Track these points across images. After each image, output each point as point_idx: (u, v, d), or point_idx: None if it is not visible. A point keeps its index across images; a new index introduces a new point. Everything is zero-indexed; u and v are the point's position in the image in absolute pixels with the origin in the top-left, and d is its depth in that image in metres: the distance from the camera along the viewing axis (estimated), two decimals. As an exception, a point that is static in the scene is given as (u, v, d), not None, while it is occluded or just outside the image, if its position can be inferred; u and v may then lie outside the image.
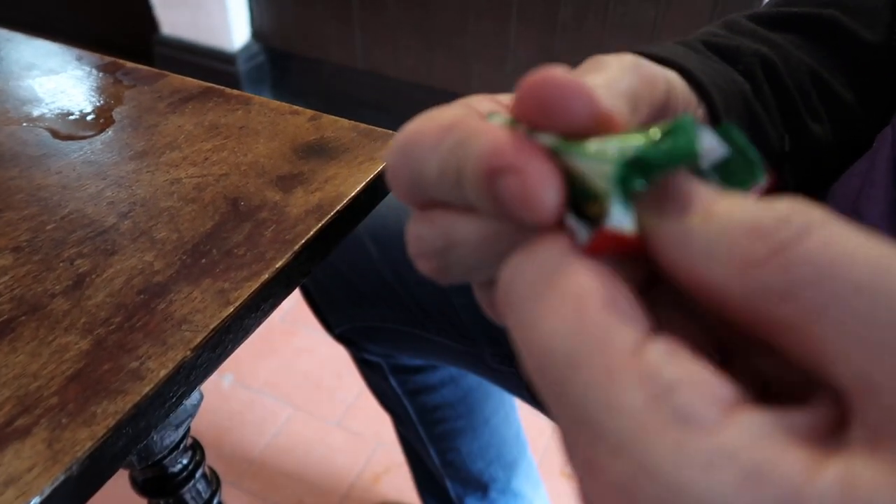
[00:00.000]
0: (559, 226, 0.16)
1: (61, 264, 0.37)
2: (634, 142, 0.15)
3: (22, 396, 0.30)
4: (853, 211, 0.30)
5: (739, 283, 0.13)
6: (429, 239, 0.20)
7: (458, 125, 0.18)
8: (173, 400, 0.32)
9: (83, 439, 0.28)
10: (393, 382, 0.78)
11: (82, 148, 0.45)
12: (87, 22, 2.23)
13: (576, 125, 0.16)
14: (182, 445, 0.51)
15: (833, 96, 0.35)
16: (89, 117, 0.49)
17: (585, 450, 0.12)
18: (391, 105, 1.89)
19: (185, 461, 0.51)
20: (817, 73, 0.35)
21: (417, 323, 0.68)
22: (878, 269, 0.11)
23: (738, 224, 0.13)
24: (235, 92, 0.51)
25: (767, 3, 0.39)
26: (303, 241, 0.38)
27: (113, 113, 0.49)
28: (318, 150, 0.45)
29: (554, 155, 0.16)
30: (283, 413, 1.26)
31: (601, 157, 0.15)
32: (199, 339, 0.33)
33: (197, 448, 0.53)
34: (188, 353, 0.32)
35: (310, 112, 0.49)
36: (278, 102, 0.50)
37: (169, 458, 0.50)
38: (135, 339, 0.33)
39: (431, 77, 1.77)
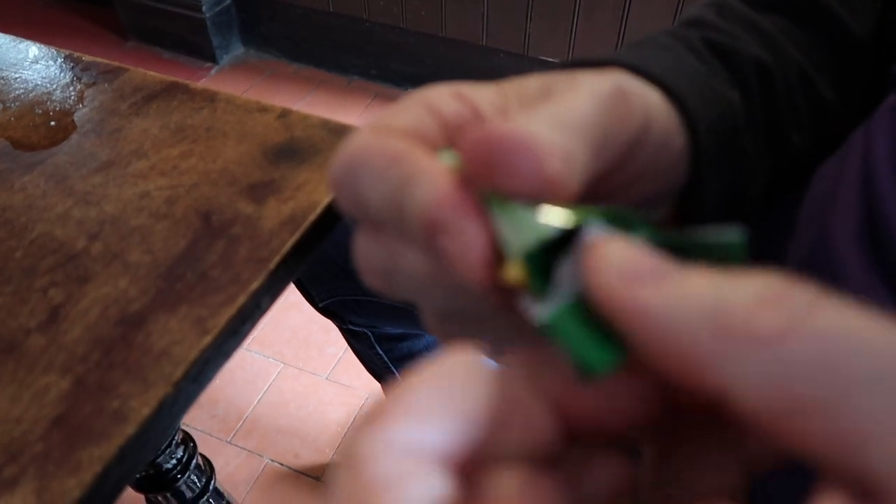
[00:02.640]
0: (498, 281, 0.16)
1: (34, 295, 0.36)
2: (552, 223, 0.15)
3: (7, 444, 0.31)
4: (822, 224, 0.30)
5: (758, 361, 0.11)
6: (374, 258, 0.20)
7: (404, 159, 0.17)
8: (158, 436, 0.32)
9: (71, 488, 0.29)
10: (379, 350, 0.80)
11: (45, 160, 0.44)
12: (41, -34, 2.12)
13: (522, 190, 0.15)
14: (174, 441, 0.52)
15: (817, 97, 0.34)
16: (51, 123, 0.47)
17: None
18: (364, 47, 1.84)
19: (178, 456, 0.52)
20: (804, 71, 0.34)
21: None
22: None
23: (740, 297, 0.12)
24: (200, 87, 0.49)
25: None
26: (277, 257, 0.38)
27: (74, 117, 0.47)
28: (289, 153, 0.44)
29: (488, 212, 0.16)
30: (273, 369, 1.29)
31: (524, 223, 0.15)
32: (179, 373, 0.33)
33: (188, 441, 0.54)
34: (169, 388, 0.32)
35: (278, 108, 0.48)
36: (244, 98, 0.48)
37: (162, 455, 0.51)
38: (114, 377, 0.33)
39: (404, 19, 1.72)
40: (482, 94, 0.21)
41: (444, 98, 0.20)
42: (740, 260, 0.14)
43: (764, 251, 0.34)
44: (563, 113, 0.18)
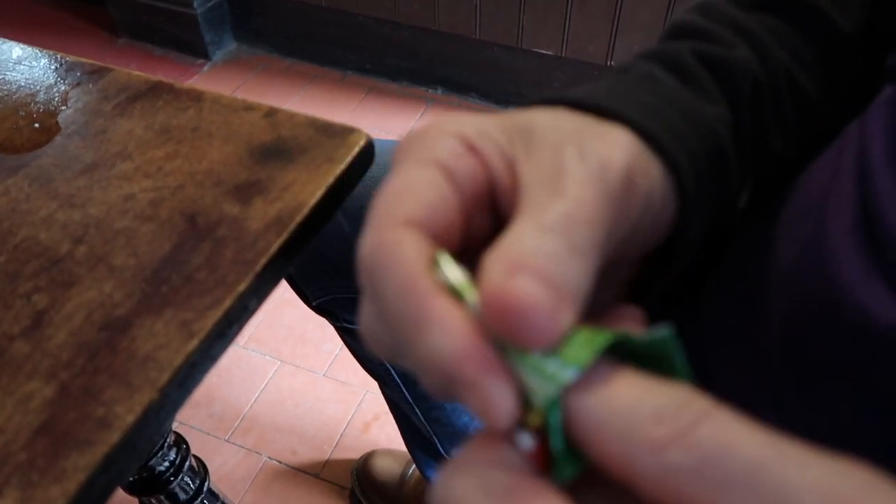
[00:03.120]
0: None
1: (18, 301, 0.36)
2: (578, 357, 0.16)
3: (-10, 453, 0.30)
4: (817, 221, 0.29)
5: (651, 463, 0.14)
6: (380, 335, 0.20)
7: (417, 295, 0.17)
8: (144, 442, 0.32)
9: (55, 497, 0.29)
10: (374, 348, 0.79)
11: (29, 163, 0.44)
12: (31, -36, 2.11)
13: (540, 346, 0.16)
14: (166, 443, 0.52)
15: (804, 98, 0.34)
16: (35, 125, 0.47)
17: None
18: (358, 42, 1.83)
19: (170, 458, 0.52)
20: (791, 73, 0.33)
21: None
22: (767, 447, 0.14)
23: (644, 410, 0.15)
24: (185, 87, 0.49)
25: None
26: (264, 259, 0.38)
27: (59, 119, 0.47)
28: (276, 153, 0.44)
29: (505, 359, 0.16)
30: (270, 367, 1.28)
31: (542, 374, 0.16)
32: (165, 378, 0.33)
33: (181, 442, 0.54)
34: (155, 394, 0.32)
35: (265, 107, 0.47)
36: (231, 97, 0.48)
37: (154, 458, 0.51)
38: (99, 383, 0.32)
39: (397, 13, 1.71)
40: (491, 144, 0.21)
41: (456, 156, 0.20)
42: (673, 349, 0.16)
43: (749, 258, 0.34)
44: (574, 222, 0.18)
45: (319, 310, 0.76)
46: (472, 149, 0.21)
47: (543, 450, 0.16)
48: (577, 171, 0.20)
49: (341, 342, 1.30)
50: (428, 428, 0.86)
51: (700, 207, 0.25)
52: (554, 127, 0.21)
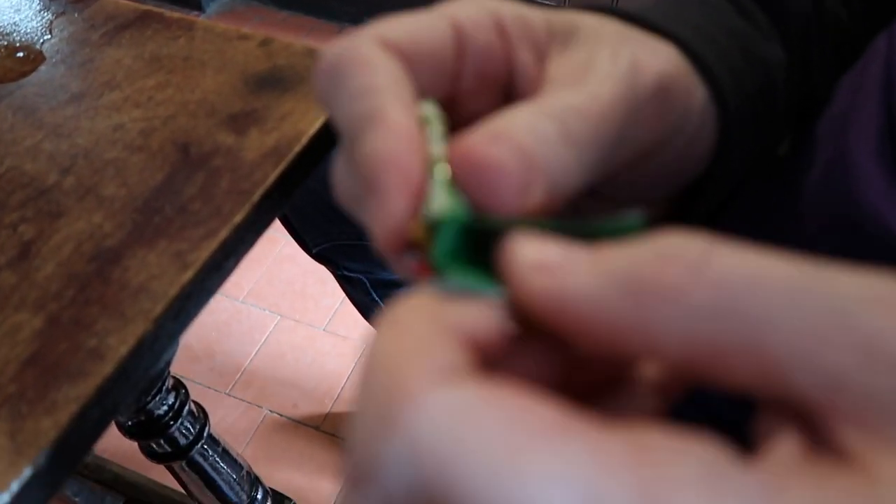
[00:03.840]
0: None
1: (4, 232, 0.34)
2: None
3: (-22, 385, 0.29)
4: (839, 141, 0.28)
5: (672, 316, 0.12)
6: (343, 177, 0.19)
7: (373, 93, 0.16)
8: (139, 375, 0.31)
9: (47, 428, 0.27)
10: (375, 296, 0.78)
11: (13, 92, 0.42)
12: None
13: (497, 210, 0.15)
14: (164, 388, 0.51)
15: (841, 33, 0.32)
16: (18, 54, 0.44)
17: None
18: (356, -8, 1.78)
19: (169, 402, 0.51)
20: (834, 10, 0.31)
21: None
22: (793, 269, 0.11)
23: (639, 258, 0.12)
24: (176, 15, 0.47)
25: None
26: (261, 190, 0.36)
27: (43, 48, 0.45)
28: (272, 82, 0.42)
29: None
30: (270, 322, 1.27)
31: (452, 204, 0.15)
32: (159, 309, 0.31)
33: (180, 387, 0.53)
34: (149, 325, 0.31)
35: (260, 36, 0.45)
36: (224, 26, 0.45)
37: (153, 401, 0.50)
38: (91, 314, 0.31)
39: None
40: (524, 33, 0.19)
41: (480, 25, 0.19)
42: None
43: (780, 181, 0.32)
44: (579, 114, 0.17)
45: (319, 257, 0.75)
46: (500, 28, 0.19)
47: (424, 266, 0.15)
48: (604, 68, 0.18)
49: (341, 297, 1.29)
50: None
51: (740, 148, 0.24)
52: (597, 30, 0.20)
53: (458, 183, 0.15)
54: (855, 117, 0.27)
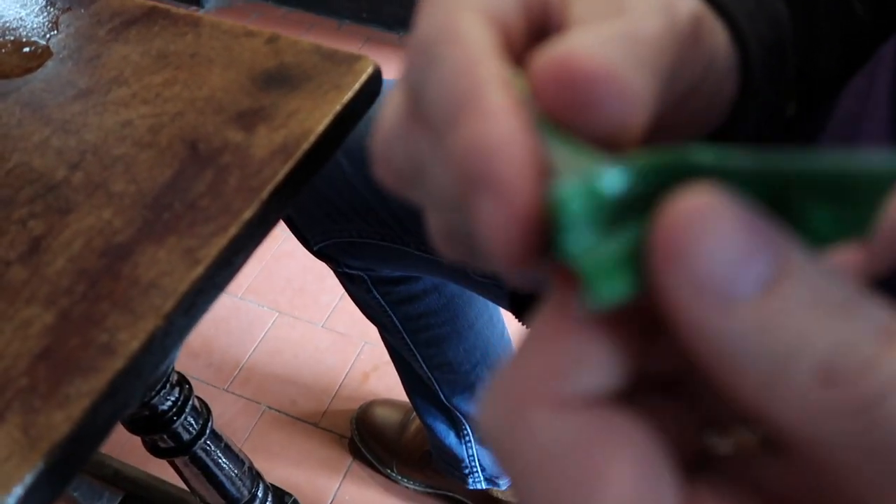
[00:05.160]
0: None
1: (13, 227, 0.35)
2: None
3: (-11, 379, 0.29)
4: (849, 146, 0.28)
5: (843, 424, 0.10)
6: (397, 150, 0.17)
7: (474, 72, 0.14)
8: (150, 370, 0.31)
9: (59, 423, 0.28)
10: (376, 294, 0.78)
11: (20, 88, 0.42)
12: None
13: (599, 132, 0.13)
14: (168, 383, 0.51)
15: (853, 18, 0.32)
16: (24, 50, 0.44)
17: None
18: (355, -12, 1.78)
19: (173, 397, 0.51)
20: None
21: (395, 237, 0.67)
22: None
23: (810, 354, 0.10)
24: (183, 11, 0.47)
25: None
26: (270, 186, 0.36)
27: (49, 43, 0.45)
28: (279, 80, 0.42)
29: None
30: (268, 318, 1.28)
31: (578, 157, 0.12)
32: (169, 306, 0.31)
33: (184, 383, 0.53)
34: (159, 321, 0.31)
35: (267, 33, 0.45)
36: (231, 23, 0.46)
37: (157, 397, 0.50)
38: (101, 310, 0.31)
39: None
40: None
41: (508, 8, 0.17)
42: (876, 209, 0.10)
43: None
44: (638, 40, 0.15)
45: (320, 254, 0.75)
46: (534, 14, 0.18)
47: (562, 272, 0.12)
48: (639, 4, 0.17)
49: (340, 294, 1.30)
50: (429, 374, 0.85)
51: (760, 94, 0.24)
52: None
53: (552, 112, 0.13)
54: (866, 127, 0.27)
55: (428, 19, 0.16)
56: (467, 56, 0.15)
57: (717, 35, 0.21)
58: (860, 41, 0.32)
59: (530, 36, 0.18)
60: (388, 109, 0.18)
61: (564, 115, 0.14)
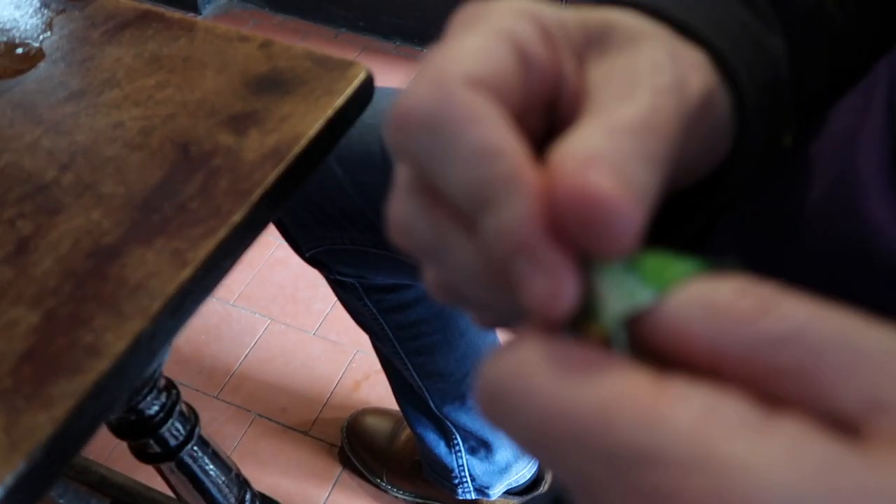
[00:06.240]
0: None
1: (1, 227, 0.34)
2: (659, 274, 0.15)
3: (-27, 379, 0.29)
4: (845, 159, 0.28)
5: (742, 340, 0.14)
6: (414, 225, 0.18)
7: (500, 156, 0.15)
8: (136, 372, 0.31)
9: (42, 424, 0.27)
10: (367, 301, 0.78)
11: (12, 88, 0.42)
12: None
13: (614, 252, 0.15)
14: (155, 388, 0.50)
15: (833, 28, 0.32)
16: (17, 51, 0.44)
17: (644, 484, 0.13)
18: (352, -2, 1.79)
19: (160, 402, 0.51)
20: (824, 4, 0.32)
21: (388, 244, 0.67)
22: (843, 317, 0.13)
23: (725, 289, 0.14)
24: (177, 15, 0.47)
25: None
26: (260, 190, 0.36)
27: (42, 45, 0.45)
28: (272, 84, 0.42)
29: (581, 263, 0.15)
30: (260, 325, 1.27)
31: (620, 286, 0.15)
32: (156, 307, 0.31)
33: (171, 388, 0.53)
34: (146, 322, 0.31)
35: (260, 38, 0.45)
36: (225, 27, 0.46)
37: (144, 401, 0.50)
38: (88, 310, 0.31)
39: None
40: (566, 38, 0.18)
41: (534, 40, 0.18)
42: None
43: (775, 199, 0.32)
44: (649, 130, 0.17)
45: (312, 261, 0.75)
46: (548, 38, 0.18)
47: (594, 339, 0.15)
48: (654, 81, 0.18)
49: (332, 301, 1.29)
50: (419, 383, 0.85)
51: (756, 143, 0.24)
52: (632, 33, 0.19)
53: (565, 215, 0.15)
54: (863, 137, 0.27)
55: (421, 90, 0.16)
56: (489, 139, 0.15)
57: (723, 103, 0.22)
58: (842, 54, 0.32)
59: (541, 102, 0.19)
60: (398, 182, 0.18)
61: (578, 231, 0.15)
